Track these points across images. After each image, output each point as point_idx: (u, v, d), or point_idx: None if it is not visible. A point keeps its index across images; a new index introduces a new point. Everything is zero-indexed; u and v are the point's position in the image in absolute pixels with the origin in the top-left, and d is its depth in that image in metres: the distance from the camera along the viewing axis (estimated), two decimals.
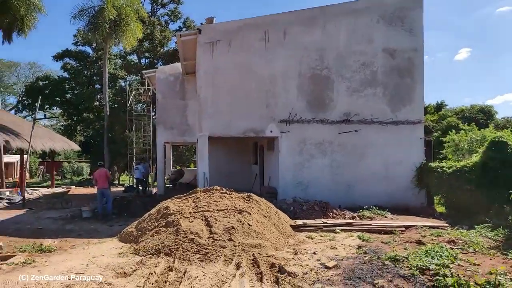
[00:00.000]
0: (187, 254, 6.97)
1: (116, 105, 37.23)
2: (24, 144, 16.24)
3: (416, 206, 13.40)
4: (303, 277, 5.87)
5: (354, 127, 13.41)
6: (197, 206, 8.78)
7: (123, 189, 21.57)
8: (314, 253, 7.23)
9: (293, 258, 6.75)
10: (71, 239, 9.16)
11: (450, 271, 5.85)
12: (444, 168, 12.63)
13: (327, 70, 13.43)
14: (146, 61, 34.71)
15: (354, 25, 13.54)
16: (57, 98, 37.25)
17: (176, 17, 36.27)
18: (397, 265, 6.27)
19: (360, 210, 11.75)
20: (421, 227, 9.51)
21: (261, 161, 16.82)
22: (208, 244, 7.23)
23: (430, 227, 9.61)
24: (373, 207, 12.09)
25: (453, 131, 17.33)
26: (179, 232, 7.62)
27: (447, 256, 6.66)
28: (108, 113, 18.00)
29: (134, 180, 21.20)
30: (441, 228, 9.52)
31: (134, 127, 22.60)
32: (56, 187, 22.79)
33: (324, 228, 9.38)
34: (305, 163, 13.31)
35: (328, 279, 5.81)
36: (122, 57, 38.74)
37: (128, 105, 21.30)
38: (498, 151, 10.46)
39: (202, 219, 8.13)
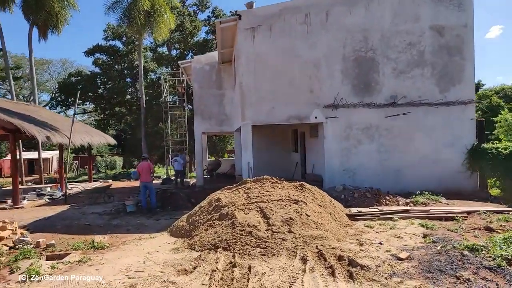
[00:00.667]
0: (247, 248, 6.76)
1: (147, 98, 37.70)
2: (64, 139, 16.47)
3: (468, 190, 12.78)
4: (377, 270, 5.54)
5: (402, 110, 12.82)
6: (249, 197, 8.56)
7: (161, 181, 21.74)
8: (380, 243, 6.86)
9: (360, 250, 6.41)
10: (121, 234, 9.11)
11: None
12: (500, 149, 11.93)
13: (371, 52, 12.85)
14: (177, 52, 34.68)
15: (399, 3, 12.85)
16: (89, 93, 37.98)
17: (205, 6, 35.97)
18: (477, 255, 5.82)
19: (413, 196, 11.24)
20: (484, 212, 8.93)
21: (302, 148, 16.46)
22: (268, 236, 6.99)
23: (494, 212, 9.02)
24: (426, 192, 11.56)
25: (505, 109, 16.34)
26: (235, 225, 7.42)
27: None
28: (144, 106, 17.99)
29: (172, 172, 21.31)
30: (506, 213, 8.91)
31: (169, 119, 22.65)
32: (94, 181, 23.23)
33: (381, 216, 8.98)
34: (351, 149, 12.87)
35: (405, 272, 5.46)
36: (152, 50, 38.99)
37: (163, 97, 21.25)
38: None
39: (257, 211, 7.90)
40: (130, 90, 37.78)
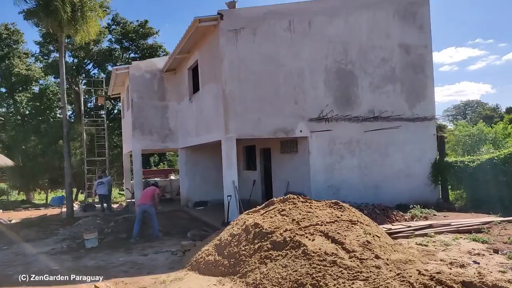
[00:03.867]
0: (343, 283, 5.42)
1: (33, 111, 32.09)
2: None
3: (433, 201, 13.29)
4: None
5: (379, 124, 12.80)
6: (294, 220, 7.14)
7: (78, 208, 18.13)
8: (476, 262, 6.22)
9: (479, 274, 5.61)
10: (125, 278, 6.81)
11: None
12: (467, 163, 12.70)
13: (351, 65, 12.64)
14: (73, 60, 30.34)
15: (373, 19, 12.99)
16: None
17: (105, 12, 32.47)
18: None
19: (410, 211, 11.17)
20: (499, 223, 9.13)
21: (263, 166, 15.35)
22: (358, 266, 5.75)
23: (506, 221, 9.29)
24: (416, 205, 11.64)
25: (454, 125, 17.87)
26: (308, 254, 5.98)
27: None
28: (67, 118, 14.67)
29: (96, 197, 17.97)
30: None
31: (84, 135, 19.21)
32: None
33: (416, 233, 8.45)
34: (335, 165, 12.31)
35: None
36: (34, 56, 33.43)
37: (82, 109, 17.81)
38: None
39: (321, 236, 6.56)
40: (5, 102, 31.58)
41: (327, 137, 12.17)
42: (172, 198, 19.68)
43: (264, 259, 6.28)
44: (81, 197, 24.41)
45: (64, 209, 15.33)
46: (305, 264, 5.85)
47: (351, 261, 5.86)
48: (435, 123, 13.94)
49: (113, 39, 30.49)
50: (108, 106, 31.27)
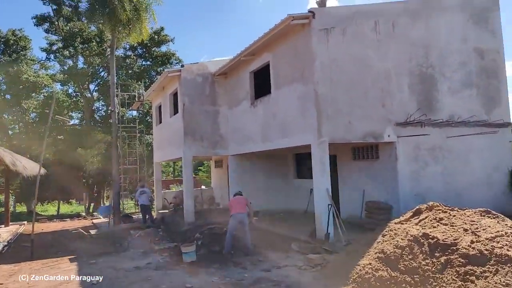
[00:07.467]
0: None
1: (37, 118, 30.52)
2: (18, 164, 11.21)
3: (510, 212, 12.77)
4: None
5: (459, 130, 12.30)
6: (466, 230, 6.38)
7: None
8: None
9: None
10: None
11: None
12: None
13: (431, 69, 12.13)
14: (85, 67, 28.93)
15: (451, 22, 12.59)
16: None
17: None
18: None
19: None
20: None
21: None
22: None
23: None
24: None
25: None
26: None
27: None
28: (117, 123, 13.55)
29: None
30: None
31: (118, 143, 17.91)
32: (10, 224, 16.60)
33: None
34: (420, 172, 11.67)
35: None
36: (39, 63, 31.88)
37: (115, 113, 16.59)
38: None
39: None
40: (13, 109, 29.85)
41: (412, 142, 11.56)
42: (209, 208, 18.56)
43: (467, 276, 5.47)
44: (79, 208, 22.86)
45: (111, 219, 14.13)
46: None
47: None
48: (510, 130, 13.50)
49: (127, 46, 29.36)
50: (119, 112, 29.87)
